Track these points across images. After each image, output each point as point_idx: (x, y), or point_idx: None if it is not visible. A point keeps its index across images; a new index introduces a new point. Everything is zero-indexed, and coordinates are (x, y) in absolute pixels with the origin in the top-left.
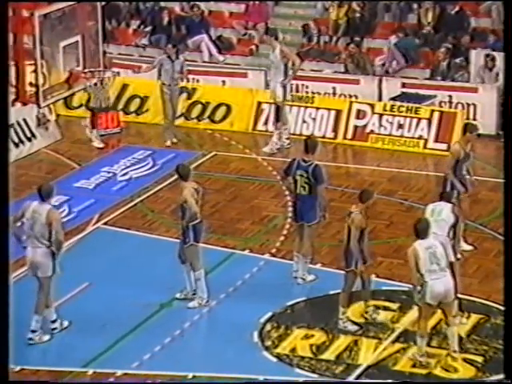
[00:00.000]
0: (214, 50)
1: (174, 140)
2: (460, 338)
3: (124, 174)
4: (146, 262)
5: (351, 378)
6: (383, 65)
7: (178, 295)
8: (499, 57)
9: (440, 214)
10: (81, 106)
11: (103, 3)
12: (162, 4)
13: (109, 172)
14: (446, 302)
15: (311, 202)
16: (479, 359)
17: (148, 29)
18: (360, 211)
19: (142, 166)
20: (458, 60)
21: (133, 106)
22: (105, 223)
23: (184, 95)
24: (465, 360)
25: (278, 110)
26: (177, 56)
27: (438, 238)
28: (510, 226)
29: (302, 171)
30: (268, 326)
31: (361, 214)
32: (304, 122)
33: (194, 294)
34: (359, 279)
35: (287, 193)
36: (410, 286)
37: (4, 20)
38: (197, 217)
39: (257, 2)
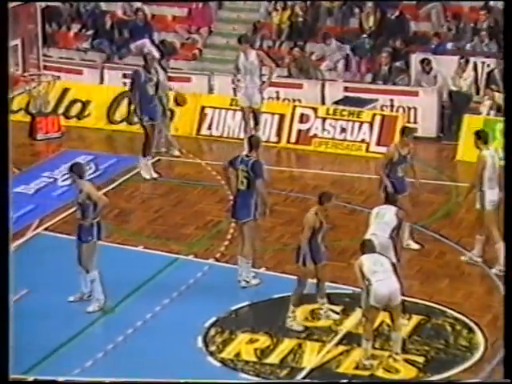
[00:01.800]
0: (156, 54)
1: (181, 150)
2: (402, 340)
3: (65, 179)
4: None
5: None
6: (330, 69)
7: (71, 298)
8: (435, 60)
9: (383, 217)
10: (20, 110)
11: (43, 6)
12: (104, 7)
13: (49, 177)
14: (391, 305)
15: (248, 198)
16: (420, 359)
17: (90, 32)
18: (315, 212)
19: None
20: (398, 64)
21: (74, 111)
22: (45, 229)
23: (126, 100)
24: (406, 361)
25: (256, 116)
26: (161, 67)
27: (379, 239)
28: (511, 230)
29: (243, 165)
30: (212, 331)
31: (315, 214)
32: None
33: (90, 296)
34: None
35: (231, 197)
36: (354, 288)
37: (4, 20)
38: (107, 201)
39: (200, 6)
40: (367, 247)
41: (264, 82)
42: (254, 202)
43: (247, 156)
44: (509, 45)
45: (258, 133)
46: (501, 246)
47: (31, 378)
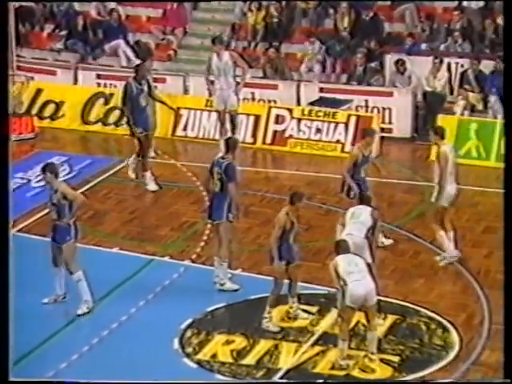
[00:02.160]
0: (131, 55)
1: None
2: (377, 339)
3: (39, 181)
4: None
5: None
6: (310, 70)
7: (46, 300)
8: (409, 61)
9: (359, 217)
10: None
11: (16, 5)
12: (78, 8)
13: (23, 178)
14: (367, 305)
15: (221, 200)
16: (396, 359)
17: (63, 33)
18: (286, 212)
19: None
20: (373, 64)
21: (47, 112)
22: (19, 230)
23: (101, 100)
24: (382, 360)
25: (233, 119)
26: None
27: (355, 239)
28: (510, 231)
29: (217, 168)
30: (188, 333)
31: (287, 215)
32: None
33: (64, 298)
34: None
35: (207, 198)
36: (329, 289)
37: (4, 20)
38: (84, 198)
39: (174, 7)
40: (342, 248)
41: (238, 84)
42: (227, 204)
43: (222, 158)
44: (509, 45)
45: (236, 135)
46: (451, 235)
47: (31, 379)
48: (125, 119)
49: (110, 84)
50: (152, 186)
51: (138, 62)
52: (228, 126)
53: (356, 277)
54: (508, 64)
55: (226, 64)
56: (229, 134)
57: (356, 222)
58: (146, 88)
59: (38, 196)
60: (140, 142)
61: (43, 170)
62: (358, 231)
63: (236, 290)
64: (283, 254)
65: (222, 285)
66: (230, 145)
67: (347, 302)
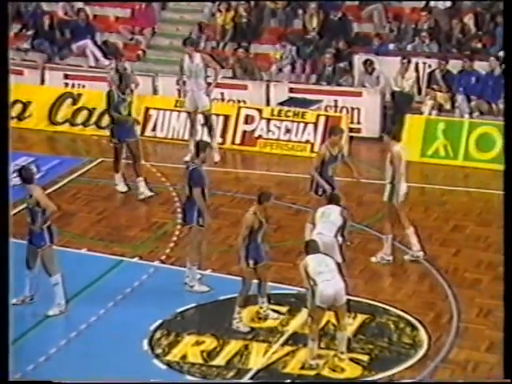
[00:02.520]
0: (99, 55)
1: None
2: (347, 339)
3: None
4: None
5: None
6: (280, 70)
7: (14, 301)
8: (378, 61)
9: (329, 217)
10: None
11: None
12: (45, 7)
13: None
14: (337, 305)
15: (191, 204)
16: (365, 358)
17: (30, 32)
18: (254, 212)
19: None
20: (342, 65)
21: (14, 112)
22: None
23: (69, 100)
24: (351, 359)
25: (207, 120)
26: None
27: (325, 238)
28: (510, 232)
29: (187, 172)
30: (158, 334)
31: (254, 214)
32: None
33: (32, 299)
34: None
35: (176, 199)
36: (299, 289)
37: (4, 20)
38: (56, 209)
39: (143, 7)
40: (311, 247)
41: (210, 84)
42: (196, 209)
43: (192, 162)
44: (508, 45)
45: (214, 136)
46: (389, 237)
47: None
48: (93, 120)
49: (78, 84)
50: (147, 192)
51: (106, 62)
52: (201, 127)
53: (326, 277)
54: (508, 64)
55: (197, 66)
56: (201, 136)
57: (326, 221)
58: (129, 98)
59: None
60: (116, 150)
61: (19, 173)
62: (328, 231)
63: (205, 292)
64: (251, 254)
65: (191, 287)
66: (200, 148)
67: (317, 301)
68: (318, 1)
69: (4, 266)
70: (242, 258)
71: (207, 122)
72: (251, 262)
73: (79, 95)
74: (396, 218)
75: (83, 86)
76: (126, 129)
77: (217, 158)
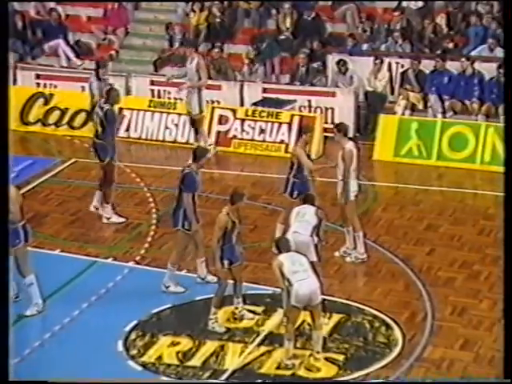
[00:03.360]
0: (71, 55)
1: None
2: (322, 338)
3: None
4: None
5: None
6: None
7: None
8: (351, 61)
9: (304, 216)
10: None
11: None
12: (17, 7)
13: None
14: (312, 304)
15: (178, 207)
16: (340, 357)
17: None
18: (227, 212)
19: None
20: (315, 65)
21: None
22: None
23: (41, 100)
24: (327, 359)
25: (194, 122)
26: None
27: (300, 237)
28: (510, 233)
29: (181, 176)
30: (133, 335)
31: (227, 215)
32: (167, 128)
33: (17, 298)
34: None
35: (151, 199)
36: (275, 289)
37: (4, 20)
38: (19, 219)
39: (115, 6)
40: (283, 245)
41: (200, 90)
42: (182, 212)
43: (188, 166)
44: (508, 45)
45: (200, 141)
46: (360, 235)
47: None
48: (66, 120)
49: (50, 84)
50: (116, 219)
51: (78, 62)
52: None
53: (301, 276)
54: (508, 64)
55: (191, 69)
56: (187, 137)
57: (301, 220)
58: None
59: None
60: (105, 170)
61: None
62: (303, 230)
63: (181, 293)
64: (226, 255)
65: (166, 287)
66: (197, 154)
67: (292, 301)
68: (292, 0)
69: (4, 267)
70: (217, 259)
71: (194, 126)
72: (226, 263)
73: (51, 95)
74: (343, 215)
75: (55, 86)
76: (111, 147)
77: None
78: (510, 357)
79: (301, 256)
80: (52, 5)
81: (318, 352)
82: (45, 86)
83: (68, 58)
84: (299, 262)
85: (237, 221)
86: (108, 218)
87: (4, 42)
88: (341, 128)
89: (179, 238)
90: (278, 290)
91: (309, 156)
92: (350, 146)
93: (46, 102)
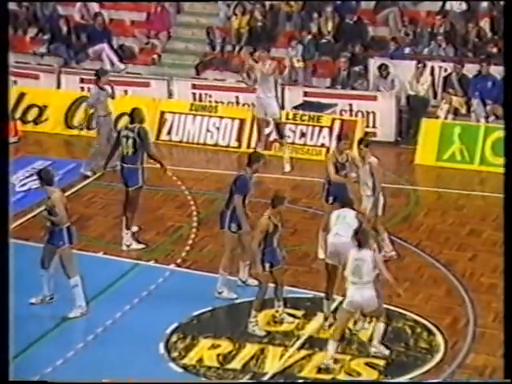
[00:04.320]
0: (115, 59)
1: (92, 172)
2: (362, 343)
3: (23, 185)
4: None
5: None
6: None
7: (33, 300)
8: (393, 65)
9: (345, 218)
10: None
11: None
12: (61, 12)
13: None
14: (366, 311)
15: (225, 209)
16: (381, 362)
17: (46, 37)
18: (268, 216)
19: None
20: (357, 68)
21: (31, 116)
22: None
23: (85, 104)
24: (367, 364)
25: (279, 129)
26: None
27: (342, 239)
28: (510, 236)
29: (234, 178)
30: (174, 337)
31: (269, 218)
32: (208, 131)
33: (52, 299)
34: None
35: (192, 202)
36: (315, 293)
37: (4, 20)
38: (65, 221)
39: (158, 10)
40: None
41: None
42: (229, 214)
43: (244, 169)
44: (509, 45)
45: (284, 145)
46: (385, 236)
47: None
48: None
49: None
50: (136, 245)
51: (121, 66)
52: (276, 135)
53: (357, 282)
54: (508, 66)
55: (268, 72)
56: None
57: (342, 222)
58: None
59: (21, 201)
60: (131, 196)
61: (38, 175)
62: (344, 232)
63: (234, 299)
64: (267, 258)
65: (219, 293)
66: (253, 159)
67: (344, 304)
68: (334, 0)
69: (4, 265)
70: (258, 262)
71: (278, 130)
72: (267, 266)
73: None
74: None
75: None
76: (137, 173)
77: (287, 168)
78: (510, 357)
79: (365, 267)
80: (97, 9)
81: (375, 347)
82: (89, 89)
83: (111, 63)
84: (359, 271)
85: (279, 224)
86: (128, 246)
87: (4, 42)
88: (367, 142)
89: (226, 240)
90: (318, 294)
91: (343, 164)
92: (374, 159)
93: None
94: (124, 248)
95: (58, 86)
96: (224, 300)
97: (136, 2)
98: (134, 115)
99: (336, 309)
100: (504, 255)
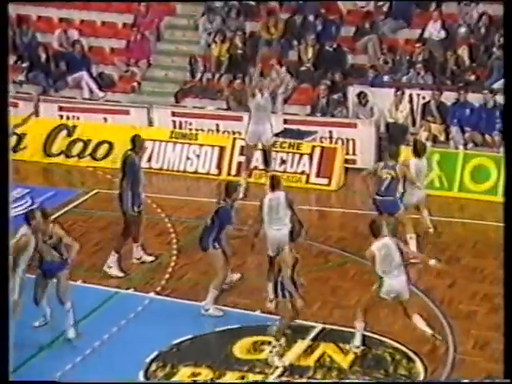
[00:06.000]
0: (94, 87)
1: None
2: (343, 370)
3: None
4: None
5: None
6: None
7: (36, 324)
8: (371, 93)
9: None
10: None
11: None
12: (40, 39)
13: None
14: (401, 299)
15: (208, 232)
16: None
17: (25, 64)
18: (290, 249)
19: (21, 205)
20: (336, 96)
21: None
22: None
23: (64, 132)
24: None
25: (267, 154)
26: None
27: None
28: (511, 232)
29: (215, 209)
30: (154, 366)
31: (291, 251)
32: (188, 158)
33: (45, 324)
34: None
35: (172, 230)
36: (296, 320)
37: (4, 20)
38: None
39: (138, 38)
40: (376, 229)
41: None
42: (214, 235)
43: (224, 200)
44: (509, 52)
45: (270, 172)
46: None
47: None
48: (89, 151)
49: (73, 116)
50: (147, 257)
51: (101, 94)
52: (261, 160)
53: (391, 272)
54: (508, 67)
55: (267, 100)
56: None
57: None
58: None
59: None
60: (128, 222)
61: (26, 218)
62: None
63: (219, 316)
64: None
65: (206, 310)
66: (229, 189)
67: (381, 293)
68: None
69: (3, 269)
70: (296, 295)
71: (266, 156)
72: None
73: (74, 127)
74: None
75: (78, 118)
76: (140, 196)
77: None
78: (510, 357)
79: (393, 251)
80: (76, 37)
81: (434, 335)
82: (68, 117)
83: (91, 91)
84: (391, 256)
85: (298, 257)
86: (138, 259)
87: (4, 42)
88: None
89: (214, 260)
90: (298, 321)
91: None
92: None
93: (69, 134)
94: (134, 261)
95: (37, 114)
96: (205, 327)
97: (131, 2)
98: (135, 142)
99: (316, 337)
100: (504, 260)
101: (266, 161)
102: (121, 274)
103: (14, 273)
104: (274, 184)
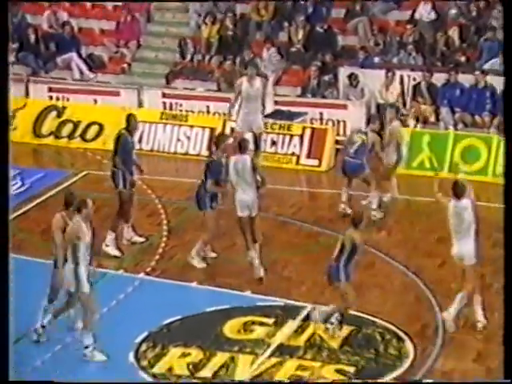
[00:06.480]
0: (84, 68)
1: None
2: (332, 350)
3: None
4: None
5: None
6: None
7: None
8: (362, 74)
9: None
10: None
11: None
12: (30, 20)
13: None
14: (465, 264)
15: (203, 192)
16: (351, 369)
17: (15, 46)
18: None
19: (11, 186)
20: (326, 78)
21: None
22: None
23: (54, 113)
24: (337, 371)
25: (257, 140)
26: None
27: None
28: (511, 231)
29: (205, 164)
30: (144, 346)
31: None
32: (178, 140)
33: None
34: None
35: (162, 211)
36: (286, 301)
37: (4, 20)
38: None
39: (128, 19)
40: (459, 190)
41: (264, 107)
42: (208, 196)
43: (213, 153)
44: (508, 48)
45: (259, 157)
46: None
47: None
48: (79, 132)
49: (63, 97)
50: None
51: (91, 75)
52: (252, 146)
53: (460, 234)
54: (508, 65)
55: (258, 90)
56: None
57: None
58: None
59: None
60: (122, 199)
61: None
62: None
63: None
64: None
65: (192, 258)
66: (218, 141)
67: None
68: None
69: (4, 269)
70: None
71: (256, 142)
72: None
73: (64, 108)
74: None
75: (68, 99)
76: (131, 176)
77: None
78: (510, 357)
79: (465, 214)
80: (65, 18)
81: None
82: (57, 98)
83: (81, 72)
84: (461, 217)
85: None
86: (128, 240)
87: (4, 42)
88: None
89: (208, 219)
90: (289, 301)
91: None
92: None
93: (59, 115)
94: (124, 242)
95: (27, 95)
96: (194, 308)
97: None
98: (129, 122)
99: (307, 317)
100: (505, 257)
101: (257, 144)
102: (118, 254)
103: (76, 265)
104: (241, 147)
